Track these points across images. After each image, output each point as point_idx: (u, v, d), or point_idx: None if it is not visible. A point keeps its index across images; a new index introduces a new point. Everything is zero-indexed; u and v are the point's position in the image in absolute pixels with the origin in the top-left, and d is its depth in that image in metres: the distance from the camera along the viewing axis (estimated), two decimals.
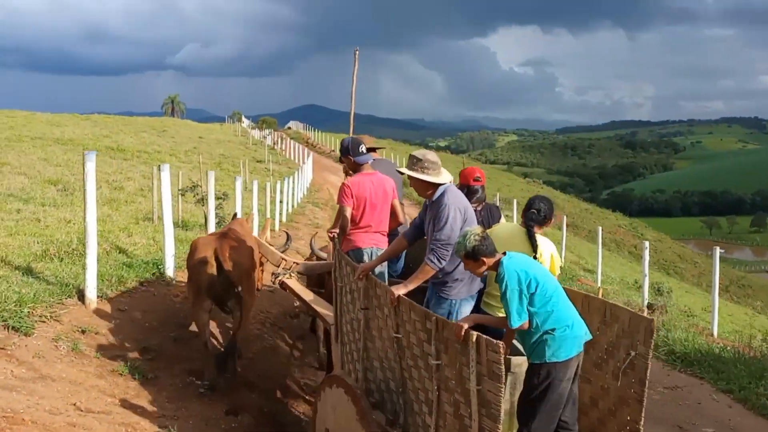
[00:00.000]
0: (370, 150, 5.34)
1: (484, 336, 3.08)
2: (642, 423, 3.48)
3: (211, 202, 8.94)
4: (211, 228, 9.11)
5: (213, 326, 6.14)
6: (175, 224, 12.45)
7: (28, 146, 23.55)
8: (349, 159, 4.99)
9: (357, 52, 6.59)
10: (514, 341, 3.80)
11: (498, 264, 3.51)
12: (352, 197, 4.79)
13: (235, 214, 8.08)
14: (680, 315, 11.73)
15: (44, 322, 4.84)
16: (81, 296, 5.47)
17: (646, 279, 10.85)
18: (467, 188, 4.95)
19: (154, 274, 6.93)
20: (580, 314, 3.66)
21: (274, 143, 44.87)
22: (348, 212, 4.79)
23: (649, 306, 10.46)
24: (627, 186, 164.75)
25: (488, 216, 4.82)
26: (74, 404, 3.98)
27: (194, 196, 13.13)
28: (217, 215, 12.18)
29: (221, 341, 6.21)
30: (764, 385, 6.48)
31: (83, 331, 5.02)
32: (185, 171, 20.67)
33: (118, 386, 4.51)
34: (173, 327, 5.92)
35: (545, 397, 3.44)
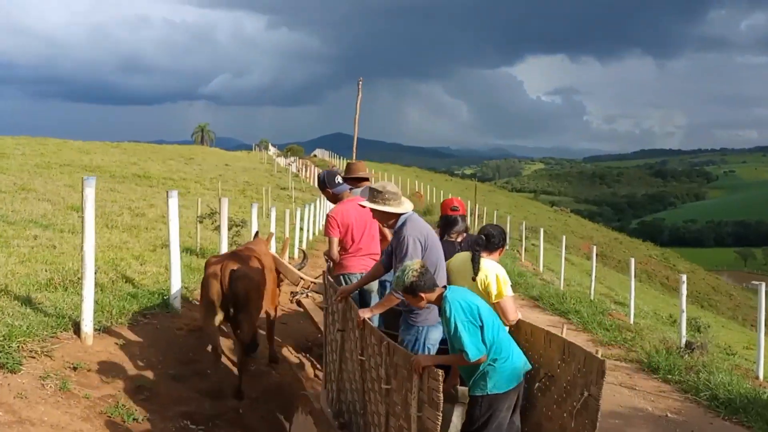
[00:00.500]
0: (362, 179, 5.62)
1: (432, 366, 3.17)
2: None
3: (224, 229, 8.80)
4: (224, 250, 8.86)
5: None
6: (193, 251, 12.27)
7: (56, 173, 23.78)
8: (327, 191, 5.32)
9: (360, 82, 7.31)
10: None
11: (440, 299, 3.50)
12: (338, 226, 5.08)
13: (256, 233, 8.16)
14: (721, 354, 11.06)
15: (34, 357, 4.50)
16: (77, 329, 5.16)
17: (683, 315, 10.20)
18: (445, 218, 4.98)
19: (159, 305, 6.61)
20: (542, 350, 3.76)
21: (299, 170, 45.04)
22: (335, 242, 5.05)
23: (688, 344, 9.81)
24: (657, 215, 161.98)
25: (469, 247, 4.64)
26: None
27: (212, 223, 12.99)
28: (234, 242, 11.98)
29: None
30: None
31: (75, 368, 4.67)
32: (208, 198, 20.63)
33: (104, 431, 4.14)
34: (173, 364, 5.55)
35: (486, 428, 3.48)
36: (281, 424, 5.39)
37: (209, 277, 5.45)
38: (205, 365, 5.70)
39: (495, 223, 27.13)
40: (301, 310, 7.02)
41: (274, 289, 6.45)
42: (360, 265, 5.08)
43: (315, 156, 67.11)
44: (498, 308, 3.89)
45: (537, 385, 3.81)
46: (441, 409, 3.06)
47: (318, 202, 21.68)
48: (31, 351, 4.55)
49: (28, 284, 6.38)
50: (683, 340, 9.74)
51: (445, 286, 3.60)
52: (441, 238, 4.59)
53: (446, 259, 4.21)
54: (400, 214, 4.09)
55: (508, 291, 4.01)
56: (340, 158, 60.87)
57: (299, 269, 6.86)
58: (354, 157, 6.77)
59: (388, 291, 4.19)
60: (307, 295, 6.79)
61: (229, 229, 13.53)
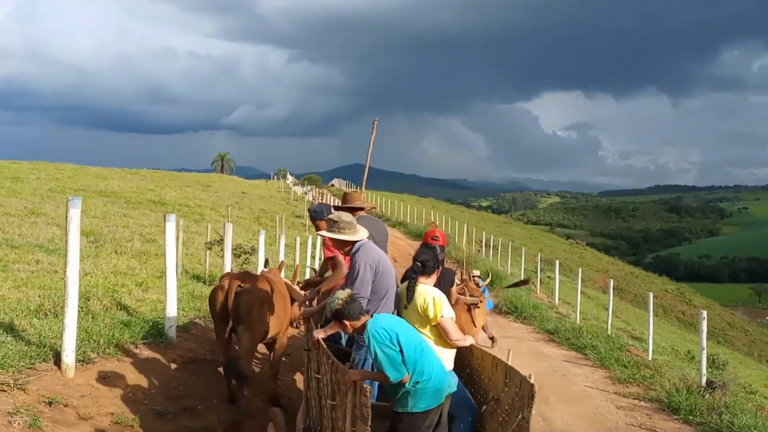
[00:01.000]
0: (357, 209, 5.81)
1: (361, 382, 3.46)
2: None
3: (227, 254, 8.80)
4: None
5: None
6: (201, 278, 12.00)
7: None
8: (317, 223, 5.55)
9: (375, 122, 7.16)
10: None
11: (363, 327, 3.76)
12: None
13: (266, 261, 8.21)
14: (742, 393, 10.51)
15: (5, 391, 4.18)
16: (58, 360, 4.84)
17: (704, 353, 9.69)
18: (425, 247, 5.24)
19: (152, 334, 6.30)
20: (490, 374, 4.02)
21: (314, 199, 45.02)
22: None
23: (709, 383, 9.30)
24: (672, 250, 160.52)
25: (439, 277, 4.92)
26: None
27: (221, 250, 12.77)
28: (243, 269, 11.74)
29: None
30: None
31: (50, 403, 4.33)
32: (221, 225, 20.42)
33: None
34: (160, 399, 5.20)
35: None
36: None
37: (216, 290, 5.81)
38: (195, 401, 5.36)
39: (509, 255, 26.75)
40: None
41: (285, 316, 6.39)
42: None
43: (332, 185, 67.33)
44: (440, 329, 4.16)
45: (484, 408, 4.06)
46: (369, 423, 3.28)
47: None
48: (2, 383, 4.23)
49: (17, 310, 6.13)
50: (704, 379, 9.24)
51: (372, 316, 3.87)
52: None
53: None
54: (354, 242, 4.49)
55: (445, 312, 4.19)
56: (357, 188, 60.83)
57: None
58: (363, 185, 6.89)
59: None
60: None
61: (238, 256, 13.30)
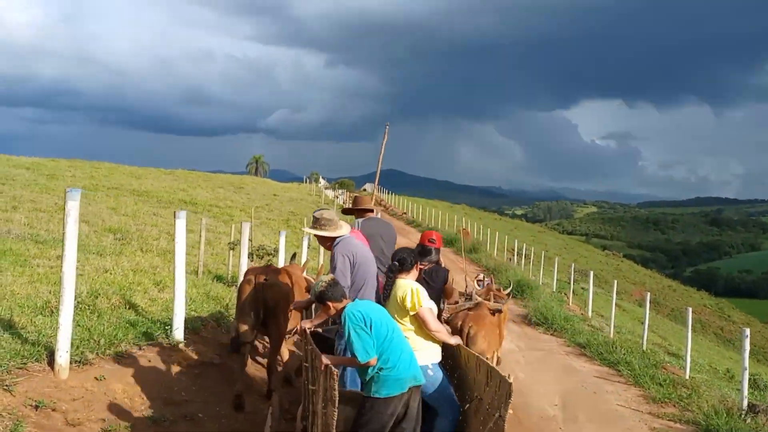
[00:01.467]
0: (366, 211, 6.03)
1: (331, 366, 3.66)
2: None
3: (244, 253, 8.76)
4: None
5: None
6: (223, 279, 11.81)
7: (102, 196, 23.94)
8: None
9: (387, 127, 7.75)
10: None
11: (342, 309, 4.02)
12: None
13: (293, 256, 8.32)
14: None
15: None
16: (52, 360, 4.59)
17: (746, 373, 9.08)
18: (422, 247, 5.70)
19: (158, 335, 6.04)
20: (474, 374, 4.15)
21: (344, 203, 44.92)
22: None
23: (751, 407, 8.71)
24: (712, 264, 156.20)
25: (431, 275, 5.43)
26: None
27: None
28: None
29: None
30: None
31: (37, 407, 4.05)
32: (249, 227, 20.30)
33: None
34: (158, 404, 4.91)
35: (368, 424, 3.85)
36: None
37: (243, 284, 6.01)
38: (197, 408, 5.06)
39: (542, 264, 26.08)
40: None
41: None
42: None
43: (364, 190, 67.20)
44: (419, 319, 4.39)
45: (468, 406, 4.21)
46: (336, 405, 3.51)
47: None
48: None
49: (24, 306, 5.92)
50: (745, 401, 8.64)
51: (351, 299, 4.17)
52: None
53: None
54: (335, 237, 4.85)
55: (423, 302, 4.43)
56: (389, 193, 60.71)
57: None
58: (375, 191, 7.17)
59: None
60: None
61: (261, 257, 13.11)
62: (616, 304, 16.29)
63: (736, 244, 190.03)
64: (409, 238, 24.84)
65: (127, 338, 5.66)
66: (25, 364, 4.42)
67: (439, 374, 4.38)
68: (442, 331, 4.49)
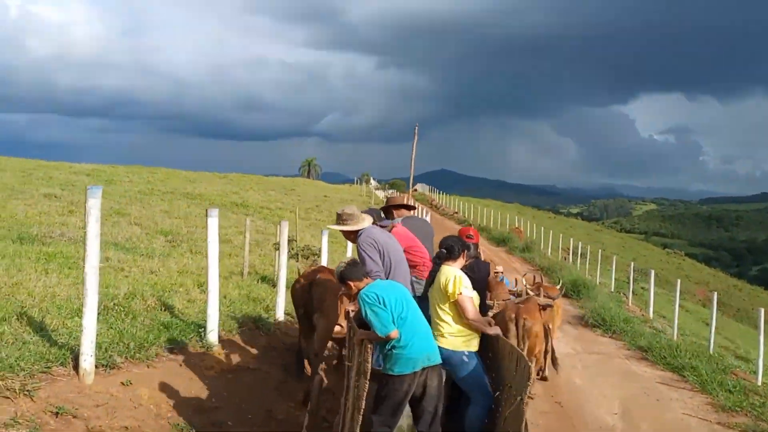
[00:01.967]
0: (405, 207, 6.25)
1: (366, 340, 3.90)
2: None
3: (283, 252, 8.92)
4: (282, 280, 8.72)
5: None
6: (267, 280, 11.69)
7: (157, 199, 24.36)
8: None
9: (417, 128, 8.18)
10: None
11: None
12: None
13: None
14: None
15: (8, 398, 3.76)
16: (77, 365, 4.42)
17: None
18: None
19: (191, 338, 5.85)
20: (508, 362, 4.16)
21: None
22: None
23: None
24: None
25: (473, 269, 5.40)
26: None
27: (290, 251, 12.49)
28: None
29: None
30: None
31: (57, 413, 3.87)
32: (299, 227, 20.27)
33: None
34: (187, 411, 4.69)
35: (384, 400, 4.00)
36: None
37: (295, 283, 6.53)
38: (227, 415, 4.83)
39: (599, 263, 25.13)
40: None
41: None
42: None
43: (416, 190, 66.86)
44: (458, 306, 4.45)
45: (497, 394, 4.26)
46: (368, 378, 3.72)
47: None
48: (8, 389, 3.82)
49: (61, 308, 5.82)
50: None
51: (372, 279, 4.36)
52: None
53: None
54: (357, 231, 5.02)
55: (464, 291, 4.47)
56: (440, 193, 60.18)
57: None
58: (410, 190, 7.33)
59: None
60: None
61: (307, 257, 12.98)
62: (679, 305, 15.43)
63: None
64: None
65: (158, 341, 5.48)
66: (49, 368, 4.27)
67: (474, 362, 4.42)
68: (480, 321, 4.53)
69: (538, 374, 8.98)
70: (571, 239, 29.52)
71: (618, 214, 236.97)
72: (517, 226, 37.86)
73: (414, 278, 5.35)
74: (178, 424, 4.47)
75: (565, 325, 13.68)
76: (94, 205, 4.32)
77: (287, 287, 8.34)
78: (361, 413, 3.78)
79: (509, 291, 9.49)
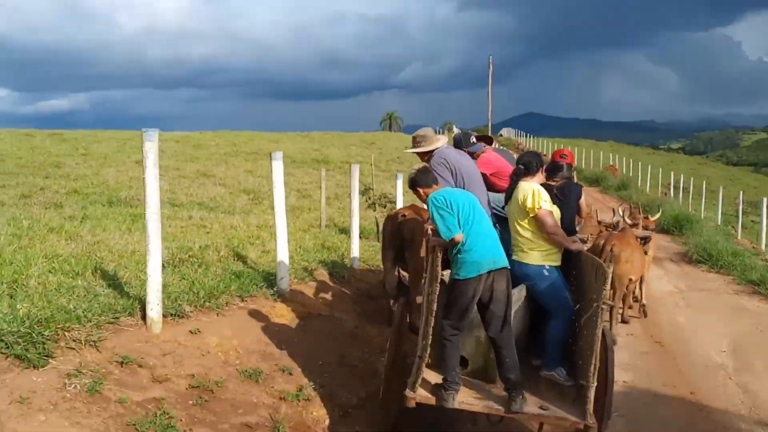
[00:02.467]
0: (485, 139, 6.14)
1: (438, 246, 4.07)
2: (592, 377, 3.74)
3: (355, 198, 9.00)
4: (355, 226, 8.90)
5: None
6: (344, 231, 11.61)
7: (241, 160, 24.87)
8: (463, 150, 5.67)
9: (491, 57, 8.67)
10: None
11: None
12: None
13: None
14: None
15: (73, 348, 3.72)
16: (144, 315, 4.37)
17: None
18: (553, 164, 5.53)
19: (261, 286, 5.73)
20: (590, 278, 4.12)
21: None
22: None
23: None
24: None
25: (563, 191, 5.21)
26: None
27: (366, 201, 12.32)
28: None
29: None
30: None
31: (122, 363, 3.81)
32: (381, 179, 20.12)
33: None
34: (255, 358, 4.56)
35: (454, 304, 4.06)
36: None
37: (386, 221, 6.70)
38: (296, 361, 4.68)
39: (703, 198, 23.44)
40: None
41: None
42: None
43: (501, 135, 65.03)
44: (538, 221, 4.40)
45: (578, 306, 4.28)
46: (439, 281, 3.91)
47: None
48: (75, 340, 3.78)
49: (138, 263, 5.85)
50: None
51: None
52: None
53: None
54: (431, 152, 5.12)
55: (543, 205, 4.41)
56: (527, 136, 58.29)
57: None
58: (490, 126, 7.14)
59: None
60: None
61: (384, 206, 12.82)
62: None
63: None
64: None
65: (228, 290, 5.40)
66: (117, 318, 4.23)
67: (554, 276, 4.40)
68: (560, 234, 4.45)
69: (640, 311, 8.49)
70: (672, 174, 27.70)
71: (724, 147, 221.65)
72: (612, 164, 36.04)
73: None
74: (245, 371, 4.36)
75: (667, 262, 12.81)
76: (151, 148, 4.15)
77: (360, 234, 8.29)
78: (434, 316, 3.90)
79: (606, 225, 9.01)
